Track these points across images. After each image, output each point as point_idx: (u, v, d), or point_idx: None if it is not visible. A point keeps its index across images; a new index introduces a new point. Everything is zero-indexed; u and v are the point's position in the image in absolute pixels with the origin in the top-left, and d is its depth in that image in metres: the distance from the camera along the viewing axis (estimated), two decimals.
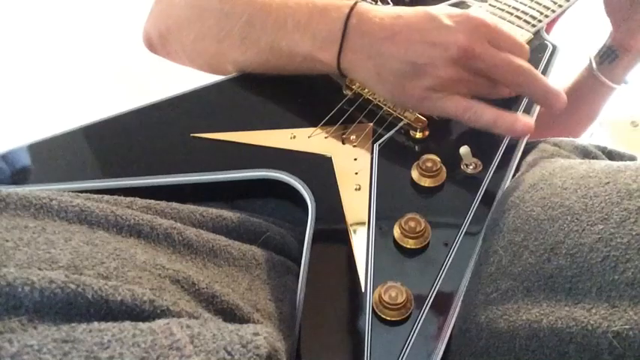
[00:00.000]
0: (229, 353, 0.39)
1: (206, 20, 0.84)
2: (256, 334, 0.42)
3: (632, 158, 0.74)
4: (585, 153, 0.77)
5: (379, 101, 0.78)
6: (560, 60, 0.86)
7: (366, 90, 0.79)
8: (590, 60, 1.04)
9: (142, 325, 0.40)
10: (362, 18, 0.74)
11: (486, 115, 0.71)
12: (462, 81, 0.71)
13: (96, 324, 0.39)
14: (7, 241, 0.44)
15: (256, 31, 0.79)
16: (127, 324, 0.39)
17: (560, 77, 1.12)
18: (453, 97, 0.72)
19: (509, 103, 0.77)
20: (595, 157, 0.75)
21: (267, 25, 0.79)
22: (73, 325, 0.39)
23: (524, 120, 0.71)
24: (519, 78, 0.71)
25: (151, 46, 0.97)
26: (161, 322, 0.40)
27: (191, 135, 0.74)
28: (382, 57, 0.72)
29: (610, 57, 1.00)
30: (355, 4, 0.75)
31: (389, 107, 0.77)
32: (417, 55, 0.70)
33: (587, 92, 1.05)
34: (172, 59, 0.94)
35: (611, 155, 0.76)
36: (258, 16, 0.80)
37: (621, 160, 0.74)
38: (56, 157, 0.72)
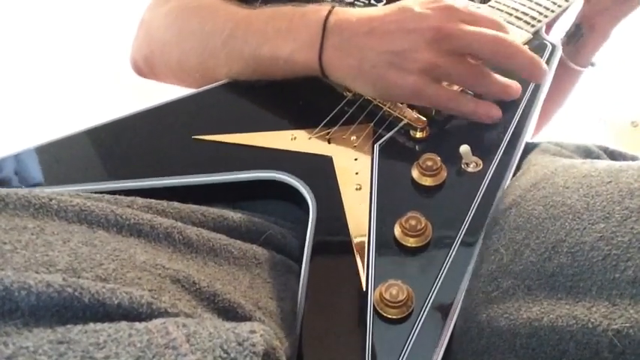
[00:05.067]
0: (225, 351, 0.39)
1: (187, 41, 0.87)
2: (253, 331, 0.42)
3: (634, 158, 0.74)
4: (587, 153, 0.76)
5: (379, 102, 0.78)
6: None
7: None
8: None
9: (137, 324, 0.40)
10: (340, 18, 0.76)
11: (469, 105, 0.75)
12: (443, 66, 0.72)
13: (92, 325, 0.39)
14: (4, 243, 0.44)
15: (239, 43, 0.81)
16: (123, 324, 0.40)
17: None
18: (438, 86, 0.74)
19: (507, 108, 0.77)
20: (597, 157, 0.75)
21: (248, 35, 0.81)
22: (68, 326, 0.39)
23: (496, 108, 0.75)
24: (499, 47, 0.73)
25: (139, 71, 0.99)
26: (157, 321, 0.40)
27: (192, 137, 0.74)
28: (361, 51, 0.74)
29: (576, 36, 1.00)
30: (333, 7, 0.77)
31: (389, 107, 0.77)
32: (395, 44, 0.72)
33: (554, 77, 1.05)
34: (162, 81, 0.96)
35: (614, 155, 0.76)
36: (240, 28, 0.81)
37: (623, 160, 0.74)
38: (58, 160, 0.73)
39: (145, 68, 0.96)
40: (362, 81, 0.76)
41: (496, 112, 0.75)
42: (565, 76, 1.05)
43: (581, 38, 1.00)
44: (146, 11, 0.97)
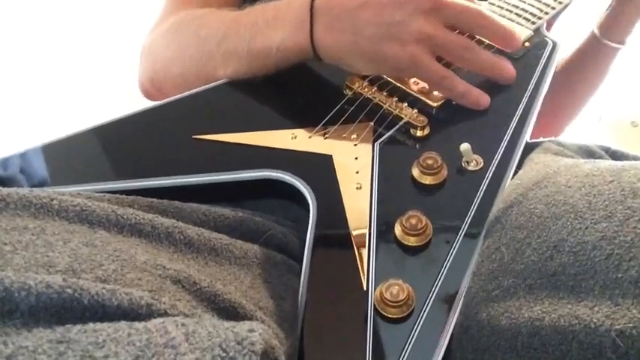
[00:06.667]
0: (224, 350, 0.39)
1: (186, 52, 0.88)
2: (251, 330, 0.42)
3: (637, 158, 0.74)
4: (589, 153, 0.77)
5: (379, 100, 0.78)
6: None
7: (366, 89, 0.79)
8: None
9: (137, 324, 0.40)
10: None
11: (460, 87, 0.76)
12: (439, 36, 0.73)
13: (91, 324, 0.39)
14: (5, 244, 0.44)
15: (232, 41, 0.81)
16: (123, 323, 0.40)
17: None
18: (434, 61, 0.74)
19: (507, 106, 0.77)
20: (599, 158, 0.75)
21: (240, 32, 0.81)
22: (67, 326, 0.39)
23: (486, 97, 0.77)
24: (482, 20, 0.75)
25: (148, 94, 1.00)
26: (156, 321, 0.41)
27: (193, 137, 0.74)
28: (356, 26, 0.74)
29: (608, 7, 1.00)
30: None
31: (389, 106, 0.77)
32: (390, 15, 0.72)
33: (589, 57, 1.05)
34: None
35: (616, 155, 0.76)
36: (232, 28, 0.82)
37: (625, 160, 0.73)
38: (61, 160, 0.73)
39: (152, 90, 0.97)
40: (357, 56, 0.76)
41: (484, 101, 0.76)
42: (600, 56, 1.05)
43: (612, 9, 1.00)
44: (147, 36, 0.98)
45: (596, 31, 1.02)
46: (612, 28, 1.01)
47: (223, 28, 0.83)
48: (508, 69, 0.78)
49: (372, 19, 0.73)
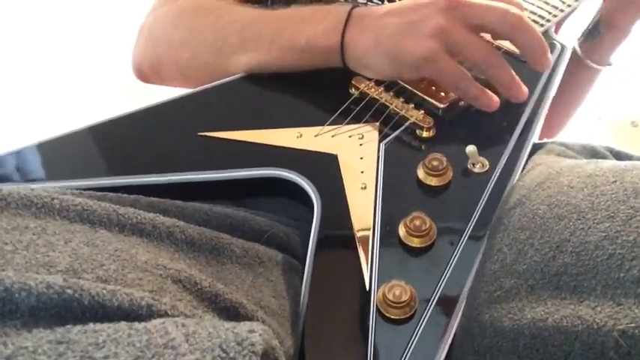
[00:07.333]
0: (224, 351, 0.39)
1: (201, 35, 0.88)
2: (252, 331, 0.41)
3: None
4: (593, 153, 0.77)
5: (386, 100, 0.78)
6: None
7: (373, 89, 0.80)
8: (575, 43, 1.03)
9: (137, 324, 0.40)
10: (363, 9, 0.79)
11: (474, 89, 0.75)
12: (454, 32, 0.73)
13: (91, 325, 0.39)
14: (6, 243, 0.44)
15: (257, 30, 0.82)
16: (123, 324, 0.40)
17: None
18: (451, 60, 0.74)
19: (514, 109, 0.78)
20: (603, 158, 0.75)
21: (268, 23, 0.82)
22: (67, 326, 0.39)
23: (497, 98, 0.76)
24: (509, 18, 0.73)
25: (143, 76, 0.99)
26: (156, 321, 0.40)
27: (198, 134, 0.74)
28: (379, 26, 0.76)
29: (593, 34, 0.99)
30: (356, 6, 0.81)
31: (396, 106, 0.77)
32: (409, 15, 0.74)
33: (573, 75, 1.03)
34: (168, 84, 0.97)
35: (620, 156, 0.76)
36: (260, 18, 0.83)
37: (629, 160, 0.73)
38: (63, 155, 0.73)
39: (150, 72, 0.96)
40: (377, 54, 0.77)
41: (495, 103, 0.76)
42: (583, 75, 1.04)
43: (599, 36, 0.99)
44: (146, 17, 0.98)
45: (579, 51, 1.02)
46: (599, 50, 1.01)
47: (250, 17, 0.84)
48: (524, 90, 0.77)
49: (393, 20, 0.75)
